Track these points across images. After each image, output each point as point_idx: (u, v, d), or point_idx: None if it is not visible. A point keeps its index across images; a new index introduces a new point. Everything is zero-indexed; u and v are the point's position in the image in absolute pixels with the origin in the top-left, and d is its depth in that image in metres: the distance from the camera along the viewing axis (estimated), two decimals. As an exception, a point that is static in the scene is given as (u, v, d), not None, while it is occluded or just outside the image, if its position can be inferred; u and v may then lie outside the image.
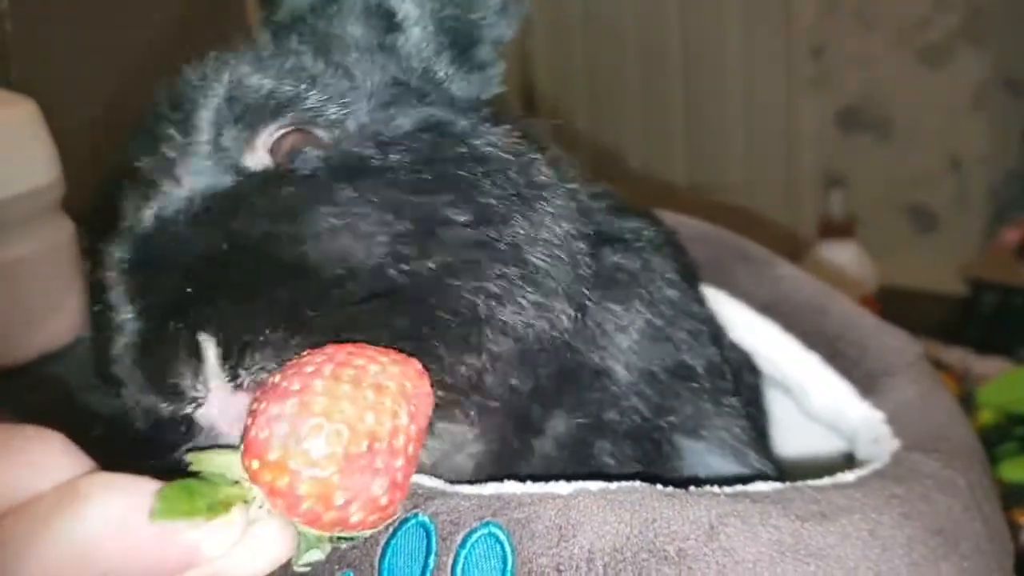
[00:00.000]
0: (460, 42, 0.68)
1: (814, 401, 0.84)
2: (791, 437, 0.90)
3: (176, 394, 0.49)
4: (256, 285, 0.50)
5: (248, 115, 0.57)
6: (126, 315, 0.52)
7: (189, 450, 0.44)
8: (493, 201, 0.57)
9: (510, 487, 0.52)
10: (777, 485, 0.55)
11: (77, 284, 1.05)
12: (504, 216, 0.57)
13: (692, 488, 0.53)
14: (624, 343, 0.66)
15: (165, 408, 0.49)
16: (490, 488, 0.52)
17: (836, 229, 2.01)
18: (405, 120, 0.59)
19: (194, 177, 0.56)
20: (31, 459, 0.40)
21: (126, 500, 0.38)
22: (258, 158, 0.57)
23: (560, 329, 0.59)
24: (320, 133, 0.58)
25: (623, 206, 0.77)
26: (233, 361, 0.48)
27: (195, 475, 0.41)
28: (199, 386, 0.49)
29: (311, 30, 0.65)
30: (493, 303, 0.55)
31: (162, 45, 2.17)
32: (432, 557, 0.49)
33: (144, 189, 0.57)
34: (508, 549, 0.48)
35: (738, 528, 0.49)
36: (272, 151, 0.57)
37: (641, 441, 0.65)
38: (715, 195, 3.12)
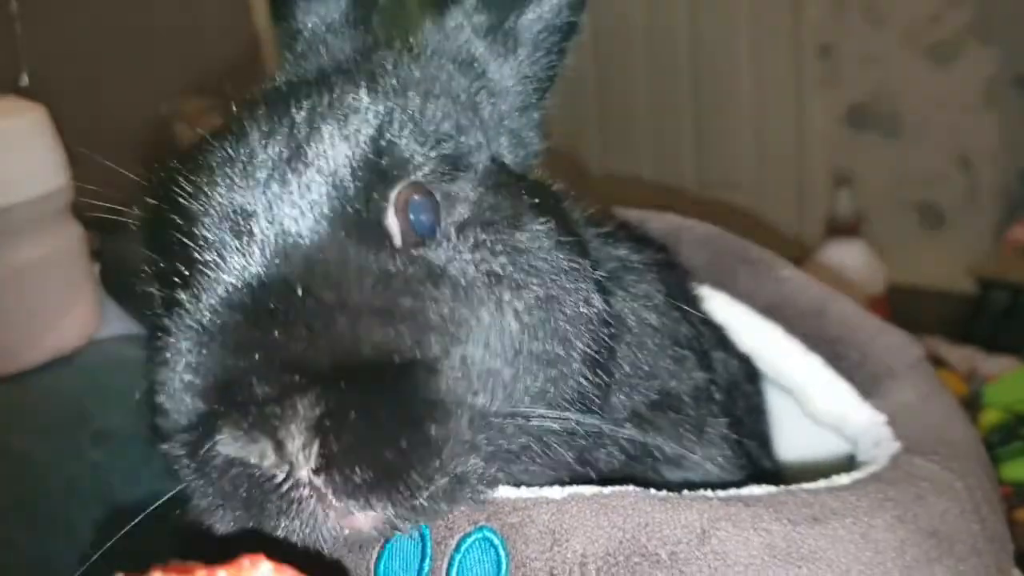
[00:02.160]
0: (528, 114, 0.68)
1: (816, 404, 0.84)
2: (794, 439, 0.90)
3: (279, 451, 0.46)
4: (395, 405, 0.48)
5: (392, 173, 0.55)
6: (235, 354, 0.49)
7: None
8: (568, 329, 0.57)
9: (504, 492, 0.53)
10: (770, 488, 0.56)
11: (87, 288, 1.07)
12: (571, 343, 0.58)
13: (685, 492, 0.54)
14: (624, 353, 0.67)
15: (252, 454, 0.46)
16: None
17: (843, 228, 2.00)
18: (516, 227, 0.59)
19: (333, 226, 0.53)
20: None
21: None
22: (390, 214, 0.55)
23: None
24: (436, 194, 0.57)
25: (614, 233, 0.77)
26: (338, 473, 0.46)
27: None
28: (300, 457, 0.46)
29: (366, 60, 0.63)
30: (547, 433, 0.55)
31: (172, 50, 2.18)
32: (427, 561, 0.49)
33: (256, 221, 0.53)
34: (502, 553, 0.49)
35: (730, 532, 0.50)
36: (395, 203, 0.56)
37: (628, 476, 0.65)
38: (724, 194, 3.12)
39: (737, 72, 3.20)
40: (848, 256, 1.94)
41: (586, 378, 0.57)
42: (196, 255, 0.53)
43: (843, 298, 0.91)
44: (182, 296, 0.52)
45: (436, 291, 0.52)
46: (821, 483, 0.58)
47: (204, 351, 0.50)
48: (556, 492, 0.53)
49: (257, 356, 0.48)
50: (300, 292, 0.50)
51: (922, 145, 2.90)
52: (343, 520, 0.47)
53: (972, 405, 1.47)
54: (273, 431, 0.45)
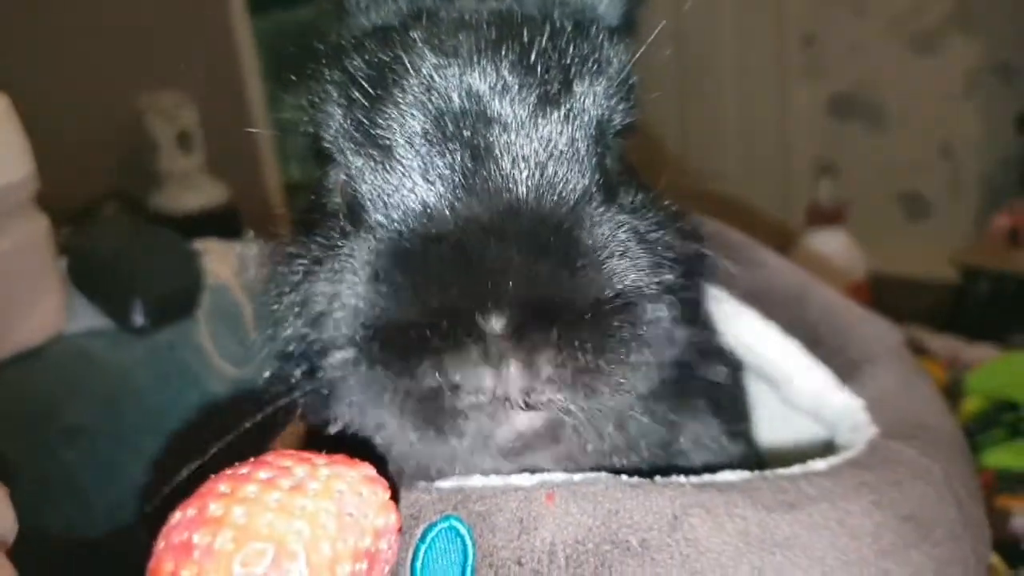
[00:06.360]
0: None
1: (795, 389, 0.83)
2: (773, 427, 0.89)
3: (500, 386, 0.47)
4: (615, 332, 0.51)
5: (611, 124, 0.61)
6: (460, 278, 0.49)
7: None
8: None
9: (472, 480, 0.52)
10: (745, 474, 0.55)
11: (53, 282, 1.04)
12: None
13: (657, 478, 0.53)
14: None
15: (474, 381, 0.47)
16: (451, 481, 0.51)
17: (825, 216, 2.00)
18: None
19: (582, 166, 0.56)
20: None
21: None
22: (608, 160, 0.61)
23: None
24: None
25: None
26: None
27: None
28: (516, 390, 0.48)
29: None
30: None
31: (147, 44, 2.15)
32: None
33: (505, 140, 0.54)
34: (468, 542, 0.48)
35: (703, 518, 0.49)
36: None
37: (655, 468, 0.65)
38: (709, 183, 3.11)
39: (721, 61, 3.19)
40: (830, 244, 1.94)
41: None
42: (414, 156, 0.54)
43: (822, 284, 0.90)
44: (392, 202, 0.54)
45: (637, 239, 0.56)
46: (797, 469, 0.57)
47: (418, 270, 0.50)
48: (526, 479, 0.51)
49: (490, 283, 0.48)
50: (555, 232, 0.51)
51: (905, 134, 2.91)
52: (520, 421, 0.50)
53: (953, 393, 1.47)
54: (502, 364, 0.46)
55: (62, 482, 0.98)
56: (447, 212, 0.52)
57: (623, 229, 0.55)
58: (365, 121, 0.56)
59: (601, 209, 0.55)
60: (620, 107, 0.61)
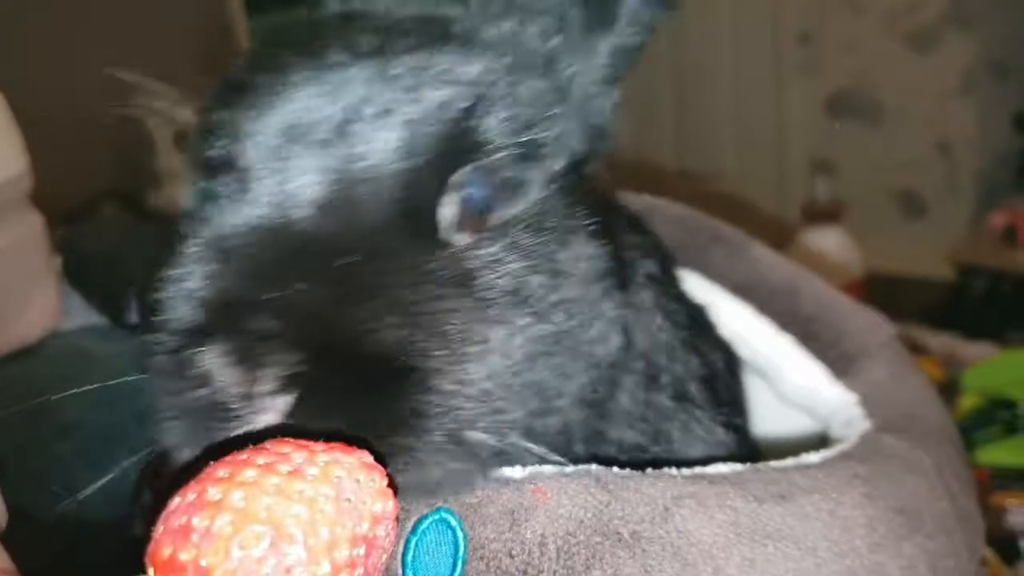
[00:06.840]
0: (606, 98, 0.66)
1: (788, 383, 0.83)
2: (766, 421, 0.89)
3: (251, 384, 0.46)
4: (376, 404, 0.47)
5: (463, 154, 0.53)
6: (248, 281, 0.48)
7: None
8: (572, 366, 0.56)
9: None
10: (736, 466, 0.55)
11: (48, 279, 1.04)
12: (570, 379, 0.57)
13: (648, 470, 0.53)
14: (627, 385, 0.65)
15: (228, 376, 0.45)
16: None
17: (821, 214, 2.00)
18: (563, 245, 0.56)
19: (388, 198, 0.51)
20: None
21: None
22: (444, 197, 0.53)
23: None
24: (499, 181, 0.55)
25: (643, 242, 0.77)
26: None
27: None
28: (267, 400, 0.46)
29: None
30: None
31: (139, 42, 2.15)
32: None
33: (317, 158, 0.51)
34: (460, 535, 0.48)
35: (693, 510, 0.49)
36: (454, 184, 0.54)
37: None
38: (705, 181, 3.11)
39: (717, 59, 3.19)
40: (826, 242, 1.94)
41: (574, 413, 0.56)
42: (244, 172, 0.52)
43: (815, 278, 0.90)
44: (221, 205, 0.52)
45: (460, 301, 0.50)
46: (789, 461, 0.57)
47: (221, 268, 0.49)
48: (517, 471, 0.51)
49: (272, 292, 0.46)
50: (338, 256, 0.48)
51: (901, 132, 2.92)
52: None
53: (950, 390, 1.47)
54: (255, 365, 0.45)
55: (55, 477, 0.98)
56: (243, 226, 0.51)
57: (429, 277, 0.50)
58: (218, 125, 0.55)
59: (407, 247, 0.50)
60: (515, 131, 0.53)
